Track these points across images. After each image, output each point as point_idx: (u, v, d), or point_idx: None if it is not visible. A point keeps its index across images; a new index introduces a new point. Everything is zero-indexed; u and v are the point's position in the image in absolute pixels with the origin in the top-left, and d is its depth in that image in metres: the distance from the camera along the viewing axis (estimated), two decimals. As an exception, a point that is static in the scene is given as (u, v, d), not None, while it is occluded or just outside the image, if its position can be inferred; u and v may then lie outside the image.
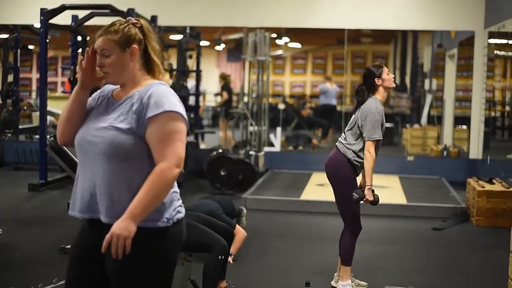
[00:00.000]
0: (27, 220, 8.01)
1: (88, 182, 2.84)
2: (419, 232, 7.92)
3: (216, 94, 17.15)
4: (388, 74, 5.42)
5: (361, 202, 5.39)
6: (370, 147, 5.28)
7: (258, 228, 7.70)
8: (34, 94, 18.18)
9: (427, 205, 8.88)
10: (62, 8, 9.92)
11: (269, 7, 11.62)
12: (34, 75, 18.17)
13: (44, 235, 7.29)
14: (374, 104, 5.36)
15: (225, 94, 14.03)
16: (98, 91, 3.05)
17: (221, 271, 5.03)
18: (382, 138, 5.31)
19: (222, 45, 17.03)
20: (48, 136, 4.82)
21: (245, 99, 11.90)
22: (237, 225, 6.38)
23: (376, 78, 5.41)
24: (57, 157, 4.64)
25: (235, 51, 16.48)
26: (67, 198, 8.96)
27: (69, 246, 6.36)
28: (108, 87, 3.03)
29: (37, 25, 12.79)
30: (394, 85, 5.51)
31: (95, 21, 10.76)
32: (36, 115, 16.11)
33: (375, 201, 5.41)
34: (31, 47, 16.10)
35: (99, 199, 2.80)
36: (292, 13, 11.60)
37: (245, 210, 7.66)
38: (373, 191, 5.38)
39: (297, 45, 17.07)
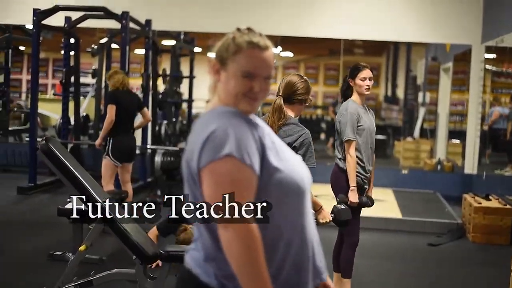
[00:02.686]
0: (15, 224, 7.86)
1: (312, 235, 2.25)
2: (414, 247, 7.80)
3: (208, 101, 17.01)
4: (363, 80, 5.25)
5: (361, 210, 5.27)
6: (348, 149, 5.15)
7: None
8: (24, 96, 18.02)
9: (422, 220, 8.75)
10: (55, 9, 9.79)
11: (264, 15, 11.51)
12: (25, 76, 18.03)
13: (32, 240, 7.13)
14: (346, 105, 5.24)
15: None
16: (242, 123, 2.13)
17: None
18: (354, 139, 5.15)
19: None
20: (39, 139, 4.67)
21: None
22: None
23: (349, 78, 5.28)
24: (48, 161, 4.50)
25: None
26: (56, 202, 8.85)
27: (58, 253, 6.21)
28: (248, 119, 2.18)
29: (29, 26, 12.70)
30: (367, 92, 5.25)
31: (88, 23, 10.65)
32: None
33: (364, 203, 5.24)
34: (22, 48, 15.92)
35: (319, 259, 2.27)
36: (287, 21, 11.49)
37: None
38: (366, 194, 5.26)
39: (289, 54, 16.99)
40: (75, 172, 4.50)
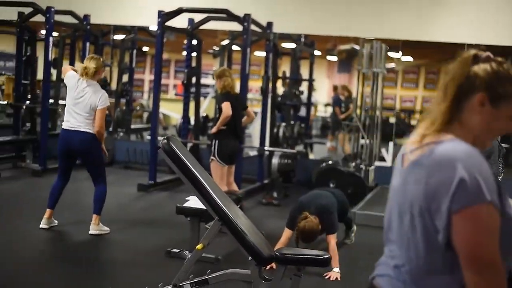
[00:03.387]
0: (135, 221, 8.02)
1: None
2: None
3: (326, 105, 16.98)
4: None
5: None
6: None
7: (368, 245, 7.45)
8: (146, 95, 18.50)
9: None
10: (179, 11, 9.96)
11: (386, 18, 11.35)
12: (147, 76, 18.50)
13: (150, 236, 7.27)
14: None
15: (351, 106, 13.78)
16: None
17: None
18: None
19: (334, 56, 16.84)
20: (161, 138, 4.74)
21: (358, 111, 11.65)
22: (333, 235, 6.21)
23: None
24: (169, 160, 4.56)
25: (346, 62, 16.28)
26: (175, 200, 9.01)
27: (175, 250, 6.31)
28: None
29: (153, 27, 13.01)
30: None
31: (210, 25, 10.80)
32: (146, 115, 16.39)
33: None
34: (145, 48, 16.34)
35: None
36: (410, 25, 11.30)
37: (355, 227, 7.46)
38: None
39: (409, 58, 16.68)
40: (195, 172, 4.54)
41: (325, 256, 4.65)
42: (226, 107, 7.73)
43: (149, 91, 17.60)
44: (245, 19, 9.49)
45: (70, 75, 7.00)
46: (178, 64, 17.12)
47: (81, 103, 6.85)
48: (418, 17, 11.24)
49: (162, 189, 10.16)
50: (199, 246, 4.63)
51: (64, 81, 7.08)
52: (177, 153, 4.53)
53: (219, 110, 7.89)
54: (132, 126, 13.57)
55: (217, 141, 7.82)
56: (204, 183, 4.55)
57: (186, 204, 6.22)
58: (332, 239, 6.16)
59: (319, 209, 6.22)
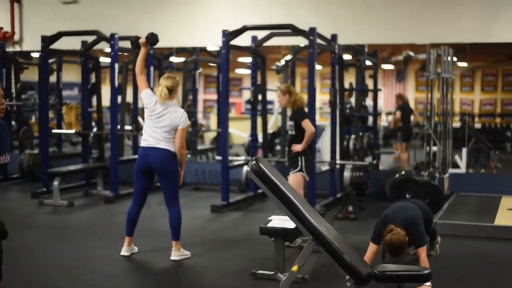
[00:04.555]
0: (213, 243, 7.95)
1: None
2: None
3: (388, 114, 16.77)
4: None
5: None
6: None
7: (452, 255, 7.26)
8: (199, 115, 18.52)
9: None
10: (244, 29, 9.90)
11: (450, 22, 11.12)
12: (201, 96, 18.49)
13: (232, 258, 7.17)
14: None
15: (398, 114, 13.59)
16: None
17: None
18: None
19: (390, 64, 16.63)
20: (250, 160, 4.64)
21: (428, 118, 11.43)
22: (423, 248, 6.03)
23: None
24: (259, 182, 4.47)
25: (403, 71, 16.08)
26: (249, 220, 8.97)
27: (260, 272, 6.21)
28: None
29: (211, 47, 13.03)
30: None
31: (273, 41, 10.75)
32: (208, 135, 16.40)
33: None
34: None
35: None
36: (476, 28, 11.04)
37: (439, 238, 7.28)
38: None
39: (463, 64, 16.36)
40: (286, 192, 4.45)
41: (425, 272, 4.51)
42: (309, 124, 7.83)
43: (203, 111, 17.62)
44: (311, 33, 9.38)
45: (148, 93, 6.99)
46: (233, 81, 17.10)
47: (160, 123, 6.83)
48: (485, 19, 10.98)
49: (235, 209, 10.08)
50: (294, 268, 4.53)
51: (142, 97, 7.05)
52: (267, 174, 4.44)
53: (295, 126, 7.85)
54: (199, 147, 13.57)
55: (303, 157, 7.85)
56: (297, 202, 4.45)
57: (270, 224, 6.11)
58: (422, 252, 5.99)
59: (405, 222, 6.05)
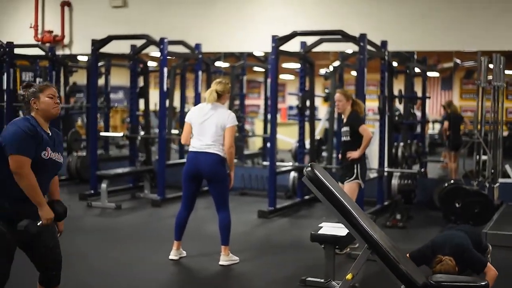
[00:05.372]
0: (261, 248, 7.93)
1: None
2: None
3: (434, 122, 16.61)
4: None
5: None
6: None
7: (501, 265, 7.11)
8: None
9: None
10: (293, 35, 9.88)
11: (502, 30, 10.98)
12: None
13: (279, 264, 7.14)
14: None
15: (445, 124, 13.42)
16: None
17: None
18: None
19: (435, 72, 16.46)
20: (305, 167, 4.61)
21: (479, 127, 11.27)
22: (488, 263, 5.89)
23: None
24: (314, 188, 4.44)
25: (449, 79, 15.94)
26: (296, 227, 8.94)
27: (310, 279, 6.17)
28: None
29: (258, 53, 13.04)
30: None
31: (321, 47, 10.71)
32: (251, 140, 16.42)
33: None
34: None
35: None
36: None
37: (490, 247, 7.14)
38: None
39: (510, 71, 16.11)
40: (342, 199, 4.41)
41: (483, 283, 4.44)
42: (367, 130, 7.76)
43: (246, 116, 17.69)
44: (361, 39, 9.32)
45: (194, 108, 7.10)
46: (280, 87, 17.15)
47: (207, 125, 6.83)
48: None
49: (282, 215, 10.05)
50: (348, 276, 4.49)
51: (189, 116, 7.05)
52: (322, 180, 4.41)
53: (350, 132, 7.74)
54: (246, 152, 13.59)
55: (358, 164, 7.72)
56: (352, 210, 4.41)
57: (320, 231, 6.07)
58: (488, 271, 5.78)
59: (454, 249, 5.88)
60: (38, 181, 3.93)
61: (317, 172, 4.42)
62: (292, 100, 19.88)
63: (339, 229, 5.99)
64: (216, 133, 6.81)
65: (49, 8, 14.21)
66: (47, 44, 13.64)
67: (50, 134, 4.13)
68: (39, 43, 13.74)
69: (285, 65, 14.04)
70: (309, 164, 4.50)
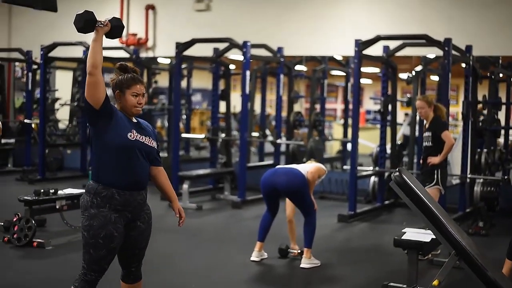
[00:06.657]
0: (341, 253, 7.93)
1: None
2: None
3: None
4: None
5: None
6: None
7: None
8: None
9: None
10: (377, 39, 9.83)
11: None
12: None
13: (361, 269, 7.13)
14: None
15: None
16: None
17: None
18: None
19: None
20: (394, 171, 4.60)
21: None
22: None
23: None
24: (401, 193, 4.42)
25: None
26: (377, 231, 8.90)
27: (392, 284, 6.14)
28: None
29: (338, 56, 13.02)
30: None
31: (404, 51, 10.62)
32: (329, 144, 16.39)
33: None
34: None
35: None
36: None
37: None
38: None
39: None
40: (430, 205, 4.38)
41: None
42: (450, 136, 7.68)
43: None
44: (446, 44, 9.22)
45: None
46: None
47: None
48: None
49: (362, 219, 10.01)
50: (435, 282, 4.44)
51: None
52: (411, 186, 4.39)
53: (432, 137, 7.69)
54: (325, 156, 13.58)
55: (439, 170, 7.67)
56: (440, 216, 4.37)
57: (404, 237, 6.04)
58: None
59: None
60: (130, 166, 4.07)
61: (405, 177, 4.40)
62: (370, 104, 19.80)
63: (423, 235, 5.95)
64: None
65: (134, 12, 14.49)
66: (131, 47, 13.93)
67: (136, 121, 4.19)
68: (124, 45, 14.02)
69: (363, 69, 13.98)
70: (397, 169, 4.47)
